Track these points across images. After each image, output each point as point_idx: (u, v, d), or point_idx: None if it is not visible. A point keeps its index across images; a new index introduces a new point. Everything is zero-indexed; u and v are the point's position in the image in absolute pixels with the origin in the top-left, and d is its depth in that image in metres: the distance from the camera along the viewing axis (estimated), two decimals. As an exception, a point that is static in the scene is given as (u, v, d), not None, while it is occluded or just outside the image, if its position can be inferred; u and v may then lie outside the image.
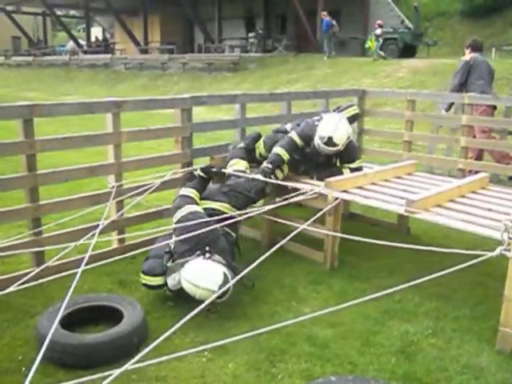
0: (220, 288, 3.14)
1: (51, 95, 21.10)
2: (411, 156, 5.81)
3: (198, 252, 3.43)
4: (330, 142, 4.33)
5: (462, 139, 5.69)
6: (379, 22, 19.94)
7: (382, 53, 19.13)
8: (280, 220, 4.38)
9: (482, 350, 3.05)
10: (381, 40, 19.47)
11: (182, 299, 3.37)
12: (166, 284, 3.51)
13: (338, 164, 4.67)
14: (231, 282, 3.13)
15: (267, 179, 4.27)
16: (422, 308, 3.55)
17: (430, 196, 3.76)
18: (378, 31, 19.63)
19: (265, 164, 4.39)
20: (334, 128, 4.35)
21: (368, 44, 19.98)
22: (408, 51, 20.40)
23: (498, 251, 2.91)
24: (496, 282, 3.64)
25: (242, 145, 4.72)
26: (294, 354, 2.97)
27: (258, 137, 4.80)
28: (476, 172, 5.36)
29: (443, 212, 3.66)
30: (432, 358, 2.95)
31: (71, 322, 3.06)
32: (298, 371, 2.82)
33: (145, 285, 3.58)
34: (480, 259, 2.81)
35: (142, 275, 3.57)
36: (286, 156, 4.44)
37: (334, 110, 5.13)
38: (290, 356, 2.96)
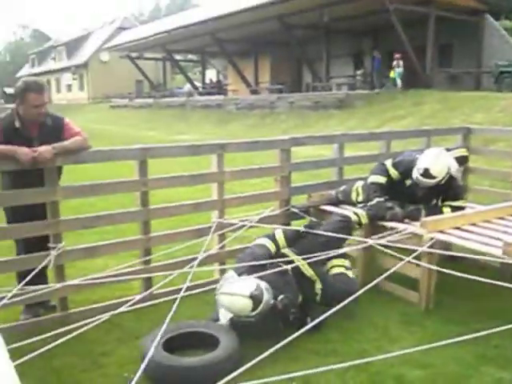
0: (252, 295, 3.39)
1: (168, 134, 22.64)
2: (519, 196, 5.56)
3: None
4: (426, 173, 4.34)
5: None
6: (397, 55, 22.45)
7: (398, 82, 22.40)
8: (380, 250, 4.37)
9: None
10: (397, 70, 22.44)
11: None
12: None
13: (440, 203, 4.65)
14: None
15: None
16: (522, 356, 3.40)
17: (531, 239, 3.62)
18: (394, 63, 22.60)
19: (368, 205, 4.51)
20: (431, 160, 4.37)
21: (391, 76, 23.19)
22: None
23: None
24: None
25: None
26: (381, 393, 3.00)
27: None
28: None
29: (546, 256, 3.51)
30: (527, 409, 2.83)
31: (174, 345, 3.34)
32: (383, 410, 2.85)
33: None
34: None
35: None
36: (381, 179, 4.55)
37: None
38: (375, 394, 2.99)
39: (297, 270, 3.88)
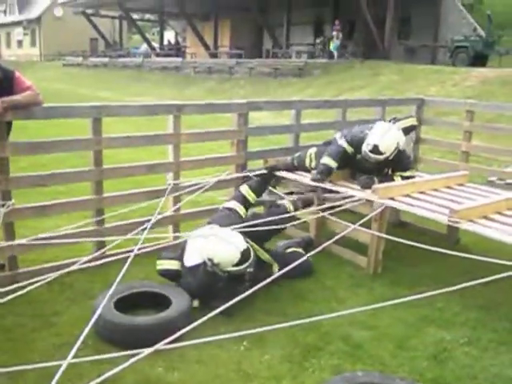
0: (244, 251, 3.38)
1: (124, 95, 22.07)
2: (467, 167, 5.77)
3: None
4: (375, 149, 4.42)
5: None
6: (336, 26, 23.47)
7: (335, 54, 23.46)
8: (331, 218, 4.43)
9: (516, 363, 3.07)
10: (335, 41, 23.56)
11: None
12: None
13: (390, 172, 4.75)
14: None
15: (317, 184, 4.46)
16: (462, 317, 3.59)
17: (475, 207, 3.78)
18: (334, 33, 23.69)
19: (314, 173, 4.57)
20: (380, 136, 4.44)
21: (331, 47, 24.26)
22: (479, 60, 19.84)
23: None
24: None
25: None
26: (328, 352, 3.11)
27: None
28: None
29: (488, 224, 3.68)
30: (463, 366, 3.00)
31: (126, 304, 3.34)
32: (330, 367, 2.96)
33: (159, 271, 3.73)
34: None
35: (157, 261, 3.73)
36: (333, 164, 4.58)
37: (390, 120, 5.17)
38: (323, 353, 3.10)
39: (254, 253, 3.79)
